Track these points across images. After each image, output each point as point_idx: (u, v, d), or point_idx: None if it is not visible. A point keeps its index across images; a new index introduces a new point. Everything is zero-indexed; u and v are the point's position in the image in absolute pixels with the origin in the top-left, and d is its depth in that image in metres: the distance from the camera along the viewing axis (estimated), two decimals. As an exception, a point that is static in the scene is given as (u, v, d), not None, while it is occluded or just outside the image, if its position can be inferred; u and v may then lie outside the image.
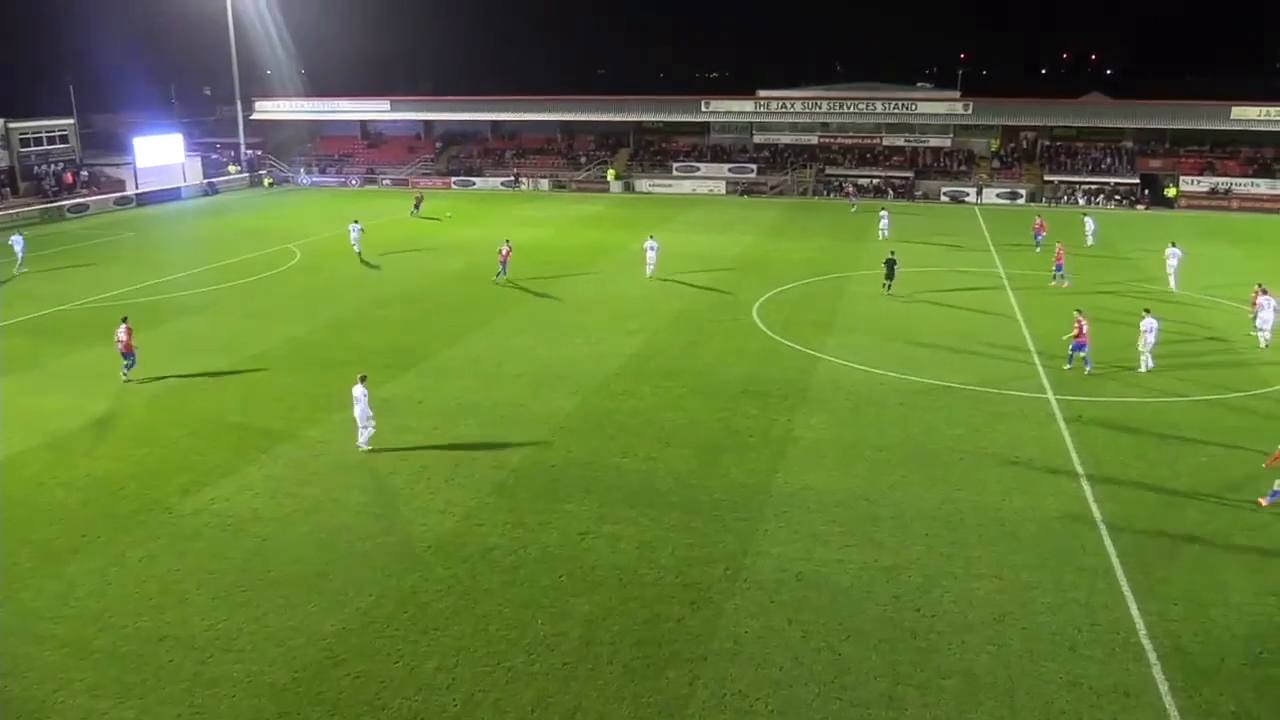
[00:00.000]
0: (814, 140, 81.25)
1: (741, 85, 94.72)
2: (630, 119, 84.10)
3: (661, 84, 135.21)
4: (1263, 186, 70.22)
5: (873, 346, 31.42)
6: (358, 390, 22.29)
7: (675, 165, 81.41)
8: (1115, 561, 17.30)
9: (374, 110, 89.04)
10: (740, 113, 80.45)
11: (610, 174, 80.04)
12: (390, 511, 19.49)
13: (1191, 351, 30.57)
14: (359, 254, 47.43)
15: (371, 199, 74.27)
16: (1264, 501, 19.32)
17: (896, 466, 21.60)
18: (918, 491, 20.30)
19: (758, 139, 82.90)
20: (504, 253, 41.99)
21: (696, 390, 26.91)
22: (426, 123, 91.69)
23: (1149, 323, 28.42)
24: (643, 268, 42.49)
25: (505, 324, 34.58)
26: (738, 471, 21.34)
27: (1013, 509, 19.48)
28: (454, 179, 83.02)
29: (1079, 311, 29.28)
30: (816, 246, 50.97)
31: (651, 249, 42.46)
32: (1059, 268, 40.91)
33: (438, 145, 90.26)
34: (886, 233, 53.75)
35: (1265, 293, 31.56)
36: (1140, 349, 28.44)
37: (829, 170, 78.56)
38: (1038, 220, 50.00)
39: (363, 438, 22.40)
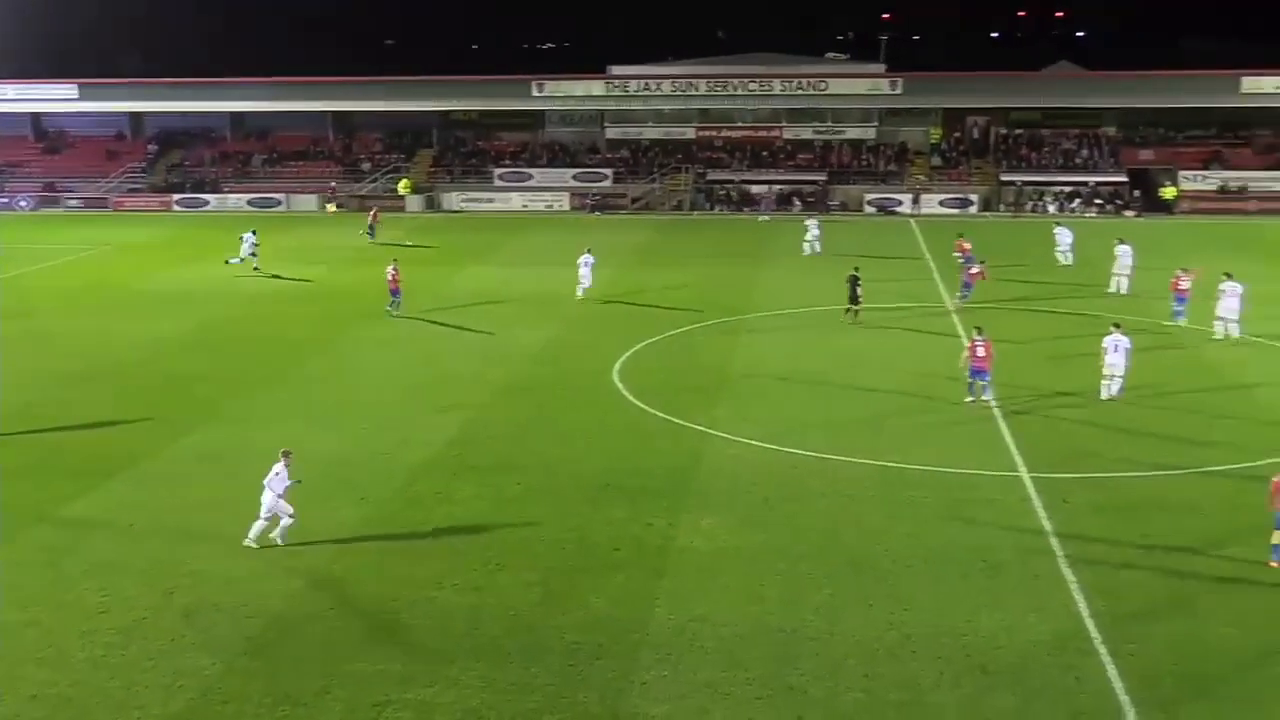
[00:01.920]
0: (690, 134, 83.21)
1: (588, 60, 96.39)
2: (432, 108, 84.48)
3: (476, 58, 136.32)
4: (1287, 181, 74.79)
5: (784, 415, 31.98)
6: (277, 469, 23.50)
7: (498, 172, 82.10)
8: (1124, 700, 17.88)
9: (53, 98, 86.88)
10: (587, 97, 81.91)
11: (403, 186, 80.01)
12: (85, 693, 18.57)
13: (1181, 394, 32.51)
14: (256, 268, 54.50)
15: (61, 228, 71.88)
16: (1275, 563, 22.01)
17: (822, 583, 21.85)
18: (852, 617, 20.57)
19: (612, 134, 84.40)
20: (391, 276, 45.35)
21: (539, 489, 26.76)
22: (134, 116, 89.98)
23: (1114, 340, 32.71)
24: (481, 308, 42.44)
25: (256, 406, 33.76)
26: (600, 601, 21.24)
27: (983, 634, 19.93)
28: (176, 197, 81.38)
29: (979, 330, 32.80)
30: (700, 278, 51.89)
31: (586, 265, 47.54)
32: (968, 285, 46.11)
33: (151, 149, 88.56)
34: (817, 248, 56.77)
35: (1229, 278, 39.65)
36: (1105, 372, 32.80)
37: (712, 175, 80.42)
38: (963, 241, 51.87)
39: (255, 530, 23.56)
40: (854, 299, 42.64)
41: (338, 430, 31.22)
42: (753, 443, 29.65)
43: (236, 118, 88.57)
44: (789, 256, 57.13)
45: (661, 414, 32.19)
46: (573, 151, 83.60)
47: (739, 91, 79.51)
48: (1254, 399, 33.46)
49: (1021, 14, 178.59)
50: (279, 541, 23.52)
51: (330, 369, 37.90)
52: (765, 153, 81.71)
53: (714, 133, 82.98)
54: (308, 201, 79.78)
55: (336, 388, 35.63)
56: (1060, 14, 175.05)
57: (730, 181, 79.70)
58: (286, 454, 23.82)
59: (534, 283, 51.05)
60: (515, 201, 79.29)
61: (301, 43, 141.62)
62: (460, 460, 28.83)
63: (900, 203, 75.91)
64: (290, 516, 23.59)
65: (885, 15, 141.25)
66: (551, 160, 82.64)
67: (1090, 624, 20.20)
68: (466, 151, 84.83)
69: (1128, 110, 78.75)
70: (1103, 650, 19.33)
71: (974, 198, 76.22)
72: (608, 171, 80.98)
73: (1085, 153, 79.03)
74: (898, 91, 78.86)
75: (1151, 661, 18.98)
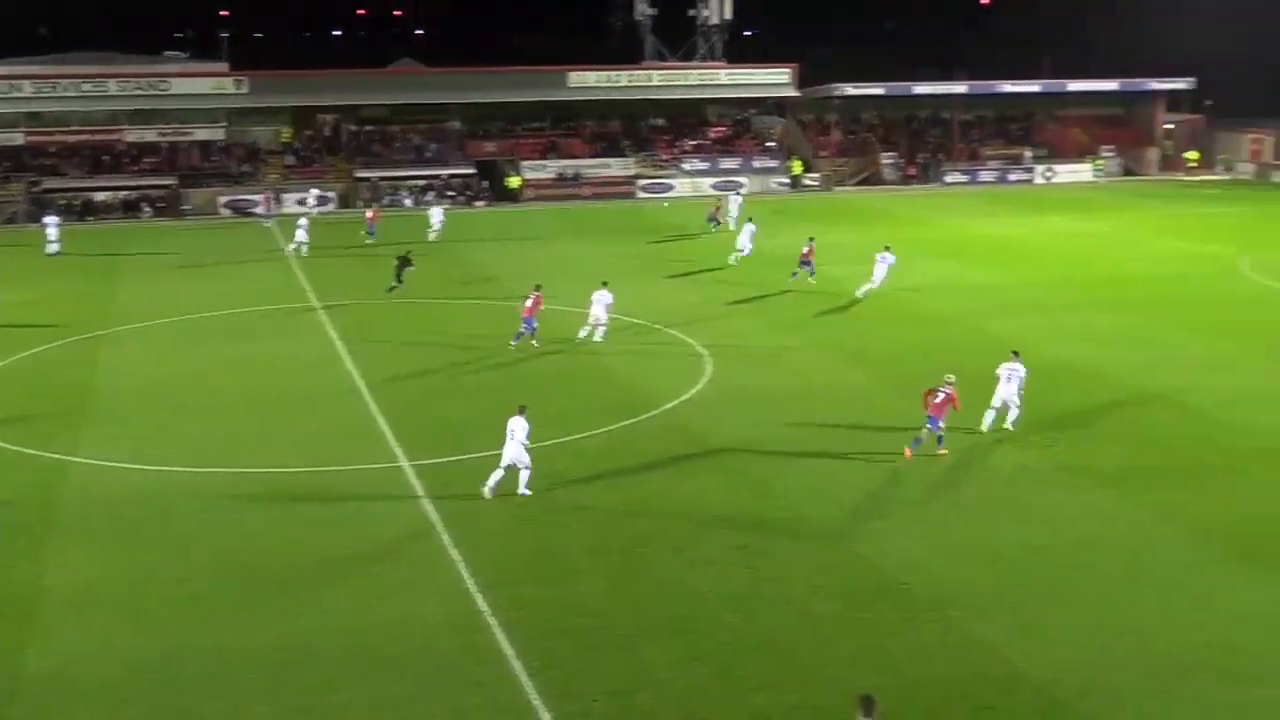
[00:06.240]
0: (19, 140, 77.43)
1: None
2: None
3: None
4: (614, 167, 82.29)
5: (155, 433, 30.73)
6: (515, 423, 25.29)
7: None
8: (517, 665, 18.90)
9: None
10: (-110, 101, 73.92)
11: None
12: None
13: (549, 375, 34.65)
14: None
15: None
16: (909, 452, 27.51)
17: (212, 600, 21.32)
18: (246, 631, 20.16)
19: (-76, 141, 76.77)
20: None
21: None
22: None
23: (598, 294, 38.69)
24: None
25: None
26: (-40, 660, 19.30)
27: (384, 626, 20.24)
28: None
29: (538, 288, 37.98)
30: (50, 296, 48.52)
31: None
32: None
33: None
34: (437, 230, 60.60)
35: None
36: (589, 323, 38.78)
37: (48, 183, 75.28)
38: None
39: (492, 480, 25.47)
40: (399, 278, 45.43)
41: None
42: (122, 465, 28.21)
43: None
44: (153, 266, 54.85)
45: (14, 446, 29.64)
46: None
47: (70, 93, 75.18)
48: (607, 374, 36.43)
49: (362, 12, 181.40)
50: (527, 493, 25.48)
51: None
52: (107, 157, 77.46)
53: (47, 138, 77.66)
54: None
55: None
56: (398, 12, 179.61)
57: (70, 189, 74.90)
58: (523, 409, 25.59)
59: None
60: None
61: None
62: None
63: (257, 204, 74.66)
64: (528, 468, 25.50)
65: (224, 12, 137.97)
66: None
67: (480, 599, 21.17)
68: None
69: (470, 104, 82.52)
70: (493, 621, 20.31)
71: (332, 194, 76.57)
72: (-78, 184, 73.54)
73: (435, 146, 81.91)
74: (244, 91, 77.85)
75: (535, 624, 20.26)
